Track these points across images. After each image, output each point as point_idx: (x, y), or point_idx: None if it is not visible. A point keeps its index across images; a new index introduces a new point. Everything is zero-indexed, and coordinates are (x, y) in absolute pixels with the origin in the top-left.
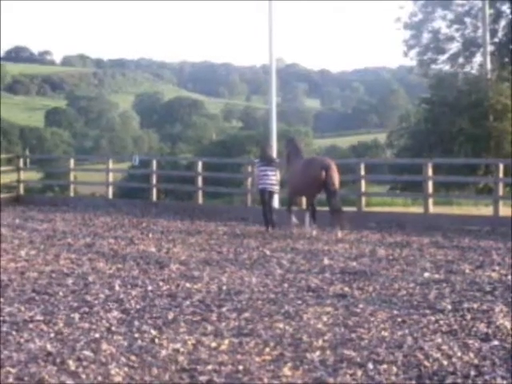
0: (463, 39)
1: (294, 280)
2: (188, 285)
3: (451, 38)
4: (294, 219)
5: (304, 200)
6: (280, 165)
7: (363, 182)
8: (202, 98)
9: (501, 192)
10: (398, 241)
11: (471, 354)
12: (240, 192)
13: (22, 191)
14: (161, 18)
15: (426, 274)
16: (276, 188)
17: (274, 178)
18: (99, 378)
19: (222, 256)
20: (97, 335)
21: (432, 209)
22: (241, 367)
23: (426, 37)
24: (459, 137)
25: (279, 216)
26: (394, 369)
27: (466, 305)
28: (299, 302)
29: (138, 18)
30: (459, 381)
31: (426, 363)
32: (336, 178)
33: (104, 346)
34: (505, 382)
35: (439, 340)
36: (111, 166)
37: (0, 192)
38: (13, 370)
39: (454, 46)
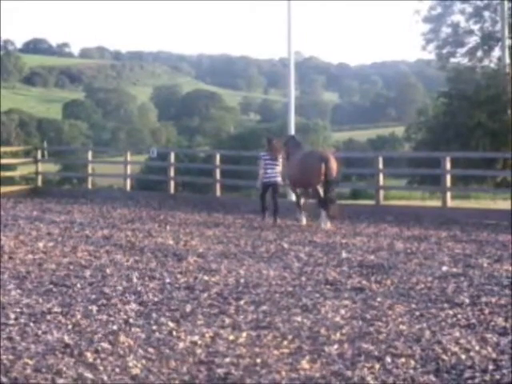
0: (482, 33)
1: (312, 273)
2: (206, 277)
3: (470, 32)
4: (303, 217)
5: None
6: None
7: (381, 176)
8: (219, 90)
9: None
10: (416, 234)
11: (489, 348)
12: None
13: (39, 183)
14: (179, 10)
15: (444, 268)
16: (280, 180)
17: (278, 171)
18: (117, 370)
19: (239, 249)
20: (114, 327)
21: (450, 202)
22: (259, 360)
23: (444, 30)
24: (477, 131)
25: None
26: (412, 362)
27: (484, 299)
28: (317, 295)
29: (156, 11)
30: (477, 375)
31: (444, 357)
32: (334, 169)
33: (122, 338)
34: None
35: (457, 334)
36: (129, 158)
37: (18, 184)
38: (30, 362)
39: (473, 40)
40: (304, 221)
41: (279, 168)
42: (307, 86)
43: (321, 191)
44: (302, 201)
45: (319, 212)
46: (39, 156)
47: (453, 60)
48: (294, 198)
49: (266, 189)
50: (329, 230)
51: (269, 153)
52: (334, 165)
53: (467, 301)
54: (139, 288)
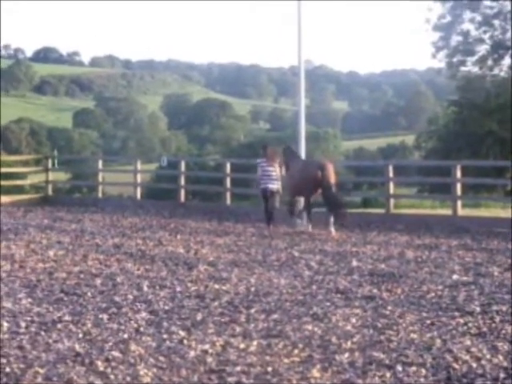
0: (492, 41)
1: (323, 282)
2: (216, 286)
3: (480, 40)
4: (298, 221)
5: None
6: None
7: (391, 184)
8: (229, 99)
9: None
10: (427, 243)
11: (500, 357)
12: None
13: (50, 192)
14: (189, 19)
15: (455, 277)
16: (278, 187)
17: (275, 177)
18: (128, 379)
19: (250, 257)
20: (125, 336)
21: (460, 211)
22: (269, 369)
23: (454, 39)
24: (487, 139)
25: (280, 215)
26: (423, 371)
27: (494, 307)
28: (328, 303)
29: (166, 19)
30: (488, 383)
31: (455, 365)
32: (332, 177)
33: (132, 346)
34: None
35: (468, 342)
36: (139, 167)
37: (29, 192)
38: (41, 371)
39: (483, 48)
40: (299, 226)
41: (275, 174)
42: (317, 94)
43: (313, 199)
44: (300, 208)
45: (327, 219)
46: (49, 165)
47: (463, 68)
48: (289, 205)
49: (265, 196)
50: (334, 236)
51: (265, 160)
52: (331, 172)
53: (478, 309)
54: (150, 297)
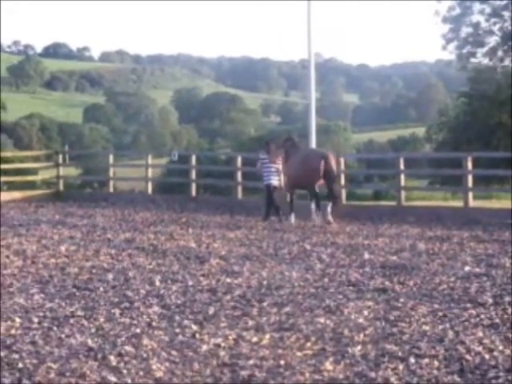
0: (502, 33)
1: (335, 274)
2: (228, 280)
3: (490, 32)
4: (292, 219)
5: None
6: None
7: (402, 177)
8: (240, 93)
9: None
10: (438, 235)
11: None
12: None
13: (61, 187)
14: (199, 12)
15: (467, 268)
16: (279, 183)
17: (276, 173)
18: (140, 374)
19: (262, 251)
20: (138, 330)
21: (472, 203)
22: (282, 362)
23: (464, 30)
24: (498, 130)
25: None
26: (436, 363)
27: (507, 298)
28: (340, 296)
29: (176, 14)
30: (501, 374)
31: (468, 357)
32: (334, 168)
33: (145, 341)
34: None
35: (481, 334)
36: (150, 161)
37: (40, 188)
38: (54, 366)
39: (493, 40)
40: (293, 220)
41: (277, 170)
42: (327, 87)
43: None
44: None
45: (324, 209)
46: (60, 160)
47: (473, 60)
48: (288, 199)
49: (269, 189)
50: (330, 226)
51: (267, 156)
52: (333, 163)
53: (490, 300)
54: (162, 291)
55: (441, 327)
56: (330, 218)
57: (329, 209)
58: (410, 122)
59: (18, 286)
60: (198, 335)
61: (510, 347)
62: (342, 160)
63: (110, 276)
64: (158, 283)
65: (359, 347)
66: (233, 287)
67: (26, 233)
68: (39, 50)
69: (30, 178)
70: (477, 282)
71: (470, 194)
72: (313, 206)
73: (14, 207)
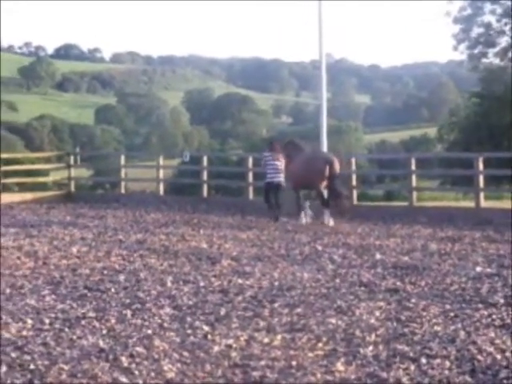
0: None
1: (346, 275)
2: (240, 280)
3: (501, 32)
4: (307, 212)
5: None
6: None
7: (414, 177)
8: (251, 93)
9: None
10: (450, 235)
11: None
12: None
13: (72, 188)
14: (210, 14)
15: (478, 269)
16: (283, 181)
17: (280, 171)
18: (152, 375)
19: (273, 251)
20: (149, 331)
21: (483, 203)
22: (294, 363)
23: (475, 31)
24: (509, 130)
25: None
26: (448, 363)
27: None
28: (351, 297)
29: (187, 15)
30: None
31: (480, 357)
32: (338, 171)
33: (156, 342)
34: None
35: (492, 334)
36: (161, 162)
37: (51, 189)
38: (66, 367)
39: (504, 40)
40: (303, 220)
41: (280, 168)
42: (339, 88)
43: (324, 192)
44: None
45: (323, 210)
46: (72, 161)
47: (484, 60)
48: (295, 199)
49: (268, 189)
50: (332, 226)
51: (270, 154)
52: (337, 167)
53: (502, 301)
54: (173, 292)
55: (452, 327)
56: (330, 221)
57: (327, 211)
58: (422, 122)
59: (30, 288)
60: (209, 336)
61: None
62: (353, 160)
63: (122, 277)
64: (169, 284)
65: (371, 348)
66: (244, 288)
67: (38, 234)
68: (50, 51)
69: (41, 179)
70: (488, 282)
71: (482, 195)
72: (306, 208)
73: (26, 208)
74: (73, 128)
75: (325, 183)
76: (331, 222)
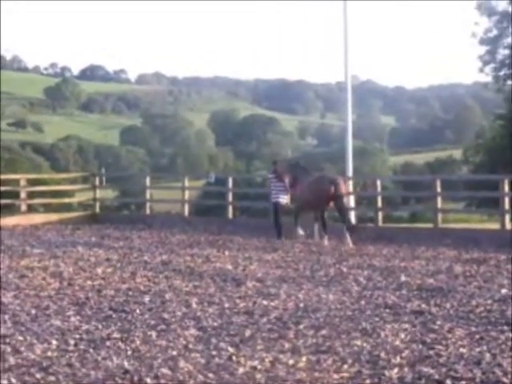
0: None
1: (371, 297)
2: (265, 302)
3: None
4: (300, 231)
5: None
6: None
7: (439, 199)
8: (276, 115)
9: None
10: (475, 257)
11: None
12: None
13: (97, 209)
14: (235, 35)
15: (504, 291)
16: (287, 201)
17: (284, 191)
18: None
19: (298, 273)
20: (174, 353)
21: (508, 225)
22: None
23: (501, 52)
24: None
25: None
26: None
27: None
28: (376, 318)
29: (212, 36)
30: None
31: (505, 380)
32: (343, 193)
33: (181, 363)
34: None
35: None
36: (187, 183)
37: (76, 210)
38: None
39: None
40: (326, 242)
41: (284, 189)
42: (364, 109)
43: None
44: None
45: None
46: (97, 182)
47: (510, 82)
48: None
49: (276, 210)
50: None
51: (274, 175)
52: (343, 188)
53: None
54: (198, 313)
55: (478, 350)
56: (350, 243)
57: (346, 233)
58: (447, 144)
59: (55, 308)
60: (234, 358)
61: None
62: (378, 182)
63: (147, 298)
64: (194, 305)
65: (396, 370)
66: (269, 309)
67: (63, 255)
68: (76, 72)
69: (66, 200)
70: None
71: (507, 217)
72: (316, 227)
73: (51, 229)
74: (98, 149)
75: (330, 204)
76: (350, 244)
